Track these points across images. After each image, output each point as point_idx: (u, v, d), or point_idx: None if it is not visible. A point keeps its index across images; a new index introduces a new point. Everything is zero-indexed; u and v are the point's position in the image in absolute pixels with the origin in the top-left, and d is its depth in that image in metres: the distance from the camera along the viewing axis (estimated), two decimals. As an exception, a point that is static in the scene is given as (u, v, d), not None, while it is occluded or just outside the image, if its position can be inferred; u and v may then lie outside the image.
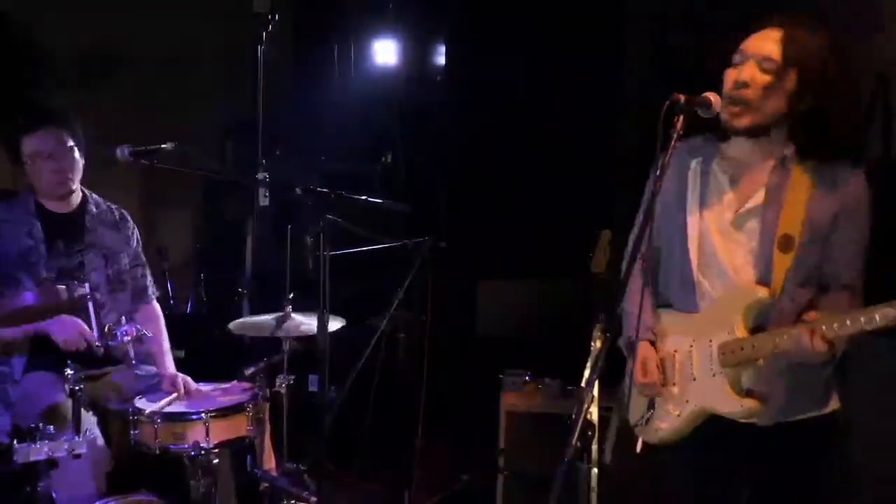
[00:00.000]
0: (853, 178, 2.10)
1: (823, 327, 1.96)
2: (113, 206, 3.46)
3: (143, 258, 3.54)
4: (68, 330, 3.01)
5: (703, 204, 2.21)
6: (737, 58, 2.09)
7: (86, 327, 3.01)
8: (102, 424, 3.14)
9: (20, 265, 3.14)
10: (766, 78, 2.04)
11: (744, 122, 2.08)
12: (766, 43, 2.06)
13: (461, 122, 5.30)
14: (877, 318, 1.89)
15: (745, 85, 2.05)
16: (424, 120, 5.54)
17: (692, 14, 4.12)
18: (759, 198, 2.14)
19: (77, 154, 3.24)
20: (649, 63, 4.75)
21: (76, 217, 3.32)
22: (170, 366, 3.39)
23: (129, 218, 3.49)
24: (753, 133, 2.11)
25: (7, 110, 4.13)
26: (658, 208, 2.20)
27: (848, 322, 1.93)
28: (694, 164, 2.24)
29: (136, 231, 3.52)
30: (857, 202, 2.10)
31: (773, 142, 2.13)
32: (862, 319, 1.91)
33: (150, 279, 3.56)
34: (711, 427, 2.18)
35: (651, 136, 1.98)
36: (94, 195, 3.41)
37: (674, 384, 2.23)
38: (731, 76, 2.09)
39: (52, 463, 2.53)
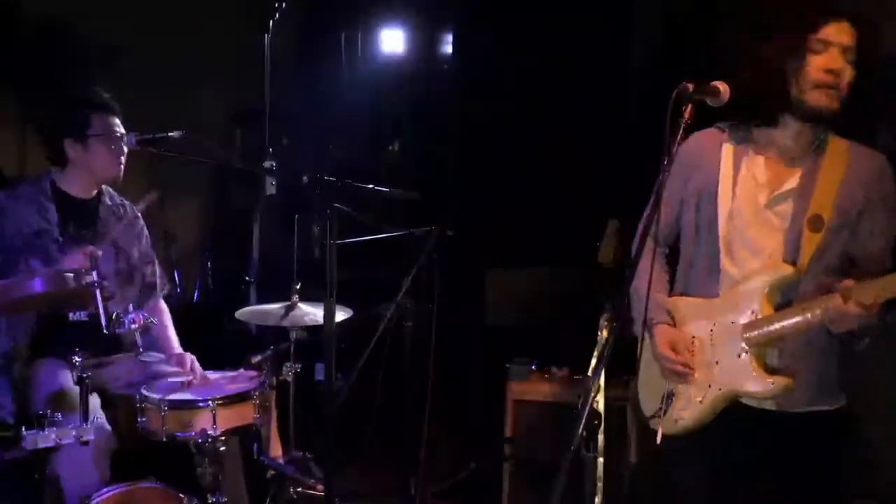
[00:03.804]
0: (882, 167, 2.14)
1: (858, 292, 1.95)
2: (126, 203, 3.47)
3: (153, 255, 3.56)
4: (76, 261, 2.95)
5: (736, 186, 2.22)
6: (819, 46, 2.10)
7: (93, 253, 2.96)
8: (110, 411, 3.15)
9: (30, 248, 3.13)
10: (850, 69, 2.09)
11: (837, 104, 2.09)
12: (844, 35, 2.10)
13: (468, 111, 5.29)
14: None
15: (839, 74, 2.08)
16: (432, 108, 5.52)
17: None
18: (794, 181, 2.16)
19: (125, 147, 3.29)
20: (659, 52, 4.73)
21: (91, 205, 3.34)
22: (177, 346, 3.40)
23: (140, 216, 3.52)
24: (840, 119, 2.12)
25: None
26: (676, 195, 2.22)
27: (885, 286, 1.93)
28: (726, 148, 2.26)
29: (146, 230, 3.54)
30: (885, 191, 2.13)
31: (815, 126, 2.15)
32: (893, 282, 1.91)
33: (159, 276, 3.58)
34: (730, 418, 2.18)
35: (660, 124, 1.98)
36: (110, 189, 3.42)
37: (694, 371, 2.22)
38: (818, 63, 2.09)
39: (52, 450, 2.54)
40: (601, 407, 2.48)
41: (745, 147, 2.24)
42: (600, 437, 2.53)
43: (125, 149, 3.26)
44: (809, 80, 2.09)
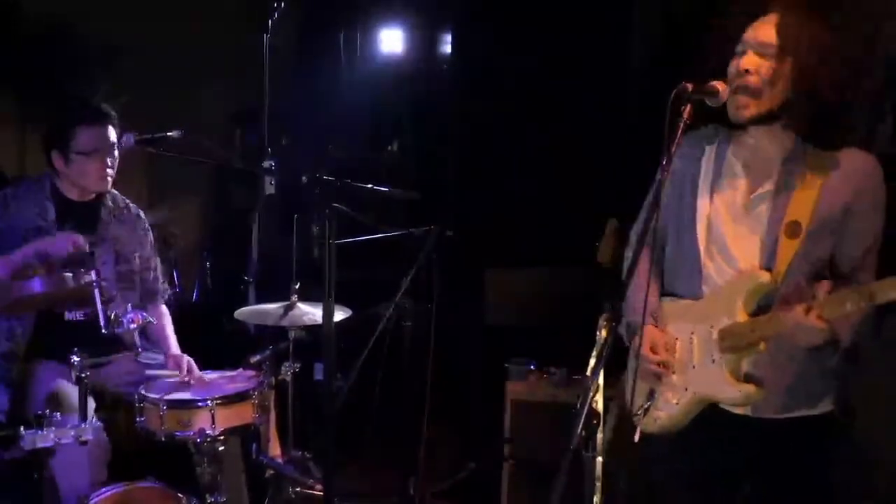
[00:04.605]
0: (868, 168, 2.09)
1: (821, 306, 1.93)
2: (130, 204, 3.44)
3: (157, 261, 3.54)
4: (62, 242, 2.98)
5: (714, 188, 2.20)
6: (739, 48, 2.09)
7: (79, 238, 2.97)
8: (108, 412, 3.15)
9: (27, 243, 3.11)
10: (767, 64, 2.04)
11: (750, 112, 2.07)
12: (764, 29, 2.06)
13: (468, 111, 5.28)
14: (871, 293, 1.86)
15: (748, 73, 2.05)
16: (431, 108, 5.52)
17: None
18: (771, 183, 2.13)
19: (117, 152, 3.24)
20: (659, 52, 4.73)
21: (92, 207, 3.31)
22: (175, 347, 3.40)
23: (143, 218, 3.48)
24: (760, 122, 2.10)
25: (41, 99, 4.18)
26: (666, 196, 2.20)
27: (845, 300, 1.90)
28: (708, 150, 2.24)
29: (151, 233, 3.51)
30: (871, 192, 2.09)
31: (786, 128, 2.11)
32: (857, 295, 1.89)
33: (161, 281, 3.56)
34: (709, 422, 2.17)
35: (660, 124, 1.98)
36: (114, 190, 3.37)
37: (673, 372, 2.22)
38: (733, 66, 2.08)
39: (49, 450, 2.54)
40: (600, 407, 2.47)
41: (726, 149, 2.22)
42: (599, 437, 2.52)
43: (112, 160, 3.20)
44: (729, 83, 2.06)
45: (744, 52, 2.07)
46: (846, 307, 1.91)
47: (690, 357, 2.19)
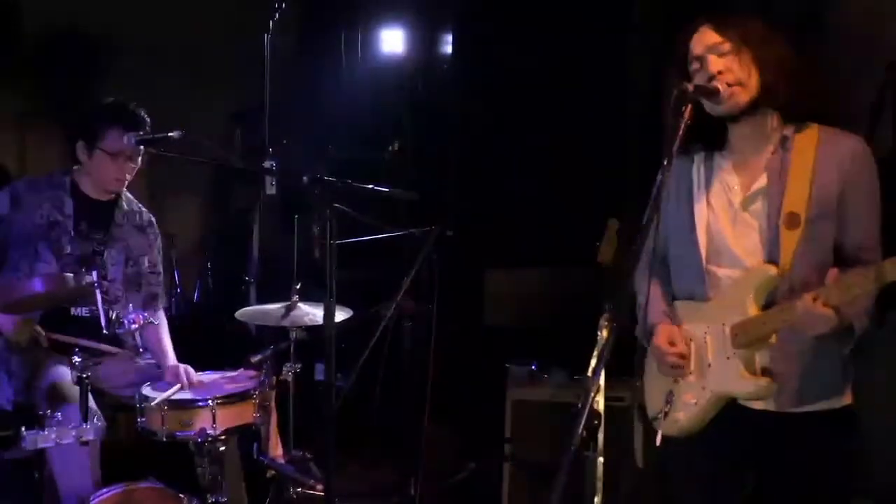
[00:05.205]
0: (854, 149, 2.10)
1: (827, 293, 1.94)
2: (143, 209, 3.47)
3: (161, 267, 3.56)
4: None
5: (709, 192, 2.22)
6: (695, 65, 2.12)
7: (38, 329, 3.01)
8: (109, 411, 3.15)
9: (43, 237, 3.16)
10: (730, 58, 2.08)
11: (742, 98, 2.09)
12: (705, 36, 2.12)
13: (469, 111, 5.29)
14: (878, 274, 1.87)
15: (720, 73, 2.07)
16: (432, 108, 5.52)
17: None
18: (763, 179, 2.14)
19: (140, 159, 3.27)
20: (660, 51, 4.73)
21: (108, 207, 3.34)
22: (172, 358, 3.40)
23: (155, 224, 3.51)
24: (753, 108, 2.11)
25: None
26: (665, 202, 2.21)
27: (852, 285, 1.91)
28: (697, 159, 2.26)
29: (159, 239, 3.54)
30: (862, 172, 2.10)
31: (769, 122, 2.14)
32: (862, 278, 1.89)
33: (162, 288, 3.58)
34: (728, 420, 2.17)
35: (660, 125, 1.98)
36: (129, 193, 3.41)
37: (690, 373, 2.22)
38: (700, 80, 2.10)
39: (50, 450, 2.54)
40: (601, 407, 2.47)
41: (713, 155, 2.23)
42: (600, 437, 2.52)
43: (133, 166, 3.25)
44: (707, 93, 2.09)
45: (702, 64, 2.10)
46: (853, 291, 1.91)
47: (706, 356, 2.20)
